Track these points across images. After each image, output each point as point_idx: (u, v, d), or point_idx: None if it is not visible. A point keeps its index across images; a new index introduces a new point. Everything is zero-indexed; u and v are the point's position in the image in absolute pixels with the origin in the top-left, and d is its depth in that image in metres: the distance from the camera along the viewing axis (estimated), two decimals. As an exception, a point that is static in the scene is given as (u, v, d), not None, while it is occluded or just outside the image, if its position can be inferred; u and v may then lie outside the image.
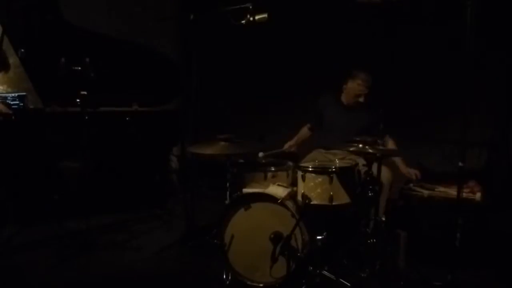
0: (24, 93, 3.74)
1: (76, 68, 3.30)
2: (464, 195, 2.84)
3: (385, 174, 3.02)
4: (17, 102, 3.69)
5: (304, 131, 3.69)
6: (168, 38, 4.98)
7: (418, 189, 3.22)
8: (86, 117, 3.32)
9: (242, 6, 2.95)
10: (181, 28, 4.94)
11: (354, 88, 3.33)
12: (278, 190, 2.70)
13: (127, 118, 4.00)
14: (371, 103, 3.34)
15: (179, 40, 4.98)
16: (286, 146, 3.54)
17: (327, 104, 3.51)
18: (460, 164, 2.57)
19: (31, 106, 3.78)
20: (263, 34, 3.74)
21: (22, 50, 3.72)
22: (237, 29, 3.00)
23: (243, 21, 2.96)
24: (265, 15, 2.93)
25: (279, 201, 2.61)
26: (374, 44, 3.99)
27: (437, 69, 3.79)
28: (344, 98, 3.44)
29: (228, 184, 3.01)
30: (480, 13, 2.45)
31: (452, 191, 2.96)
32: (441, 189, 3.18)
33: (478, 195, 3.05)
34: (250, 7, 2.92)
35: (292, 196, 2.74)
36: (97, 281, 2.85)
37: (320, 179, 2.67)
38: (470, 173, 3.05)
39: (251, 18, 2.94)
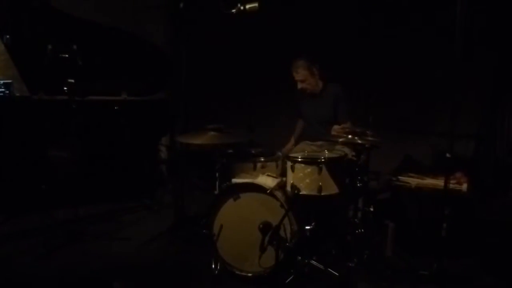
0: (10, 81, 3.67)
1: (63, 55, 3.25)
2: (451, 186, 2.88)
3: None
4: (3, 89, 3.62)
5: (300, 124, 3.67)
6: (158, 27, 4.92)
7: (406, 180, 3.25)
8: (74, 106, 3.27)
9: (233, -6, 2.92)
10: (171, 17, 4.88)
11: (294, 77, 3.35)
12: (267, 181, 2.71)
13: (116, 107, 3.96)
14: (331, 88, 3.34)
15: (169, 29, 4.92)
16: (285, 151, 3.44)
17: (300, 97, 3.52)
18: (447, 155, 2.61)
19: (17, 94, 3.71)
20: (253, 24, 3.71)
21: (8, 36, 3.65)
22: (227, 18, 2.97)
23: (233, 10, 2.93)
24: (255, 4, 2.90)
25: (268, 192, 2.62)
26: (363, 37, 3.99)
27: (425, 62, 3.80)
28: None
29: (217, 174, 3.01)
30: (469, 6, 2.46)
31: (439, 182, 2.99)
32: (429, 180, 3.22)
33: (464, 186, 3.10)
34: (241, -5, 2.89)
35: (281, 186, 2.75)
36: (85, 271, 2.84)
37: (309, 170, 2.67)
38: (457, 165, 3.08)
39: (242, 7, 2.91)
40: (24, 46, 3.74)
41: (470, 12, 2.49)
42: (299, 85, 3.36)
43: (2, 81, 3.64)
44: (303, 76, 3.31)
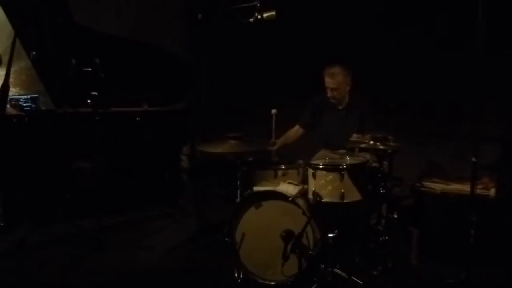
0: (36, 95, 3.78)
1: (86, 69, 3.33)
2: (478, 191, 2.79)
3: None
4: (30, 103, 3.73)
5: (294, 131, 3.52)
6: (177, 38, 5.00)
7: (430, 185, 3.19)
8: (97, 118, 3.35)
9: (250, 4, 2.94)
10: (189, 28, 4.95)
11: (326, 83, 3.20)
12: (289, 188, 2.69)
13: (138, 118, 4.03)
14: (358, 100, 3.24)
15: (188, 40, 4.99)
16: (272, 146, 3.27)
17: (322, 106, 3.35)
18: (473, 159, 2.54)
19: (43, 108, 3.82)
20: (271, 32, 3.73)
21: (34, 52, 3.77)
22: (245, 28, 2.99)
23: (251, 19, 2.96)
24: (273, 13, 2.92)
25: (290, 199, 2.60)
26: (384, 41, 3.95)
27: (449, 64, 3.73)
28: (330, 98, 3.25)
29: (238, 183, 3.01)
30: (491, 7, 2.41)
31: (466, 187, 2.91)
32: (454, 185, 3.14)
33: (492, 191, 3.01)
34: (258, 5, 2.91)
35: (303, 193, 2.72)
36: (109, 280, 2.88)
37: (331, 177, 2.65)
38: (484, 169, 3.00)
39: (259, 16, 2.93)
40: (49, 61, 3.85)
41: (492, 14, 2.44)
42: (329, 93, 3.21)
43: (29, 96, 3.75)
44: (337, 84, 3.16)
